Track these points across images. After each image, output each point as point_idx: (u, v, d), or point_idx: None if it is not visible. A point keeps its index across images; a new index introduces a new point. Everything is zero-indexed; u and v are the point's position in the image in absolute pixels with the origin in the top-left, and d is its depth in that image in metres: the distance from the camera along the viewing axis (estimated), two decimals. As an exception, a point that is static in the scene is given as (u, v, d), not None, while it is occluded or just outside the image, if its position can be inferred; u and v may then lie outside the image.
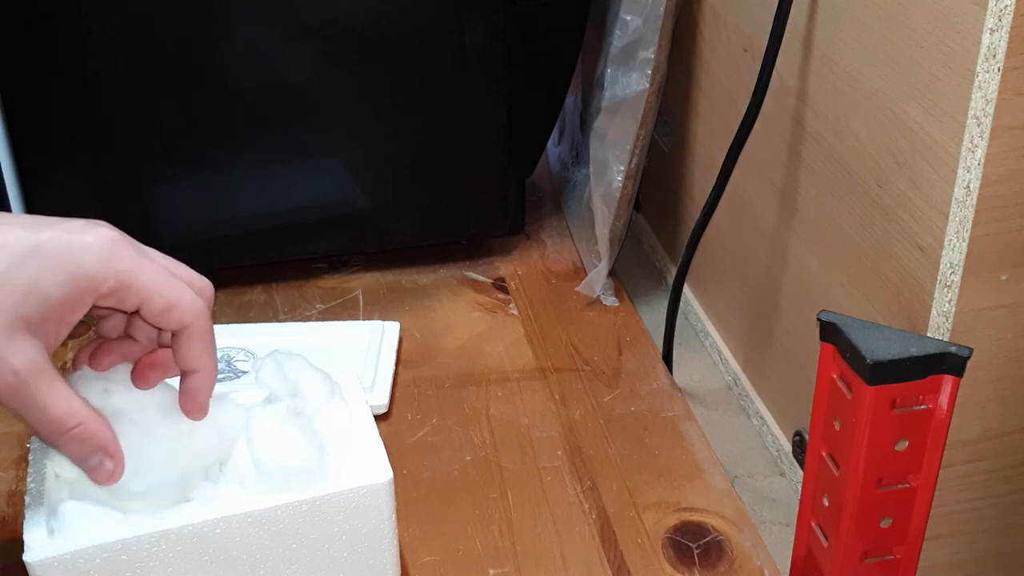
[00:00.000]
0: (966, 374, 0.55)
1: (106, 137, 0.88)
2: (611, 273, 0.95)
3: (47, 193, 0.88)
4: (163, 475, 0.56)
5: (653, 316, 0.99)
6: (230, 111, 0.89)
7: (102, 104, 0.86)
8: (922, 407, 0.56)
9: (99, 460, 0.53)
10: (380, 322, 0.89)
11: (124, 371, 0.57)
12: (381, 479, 0.59)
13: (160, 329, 0.55)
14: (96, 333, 0.57)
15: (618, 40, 0.88)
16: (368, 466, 0.60)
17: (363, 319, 0.93)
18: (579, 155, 1.05)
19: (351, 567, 0.61)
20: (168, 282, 0.51)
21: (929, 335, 0.62)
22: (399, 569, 0.64)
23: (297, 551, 0.59)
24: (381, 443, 0.61)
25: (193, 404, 0.55)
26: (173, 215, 0.92)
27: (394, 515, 0.61)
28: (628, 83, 0.88)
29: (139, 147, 0.89)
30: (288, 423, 0.59)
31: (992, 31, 0.54)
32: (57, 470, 0.56)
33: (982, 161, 0.57)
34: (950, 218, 0.59)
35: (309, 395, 0.61)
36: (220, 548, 0.57)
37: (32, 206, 0.87)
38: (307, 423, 0.60)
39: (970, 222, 0.59)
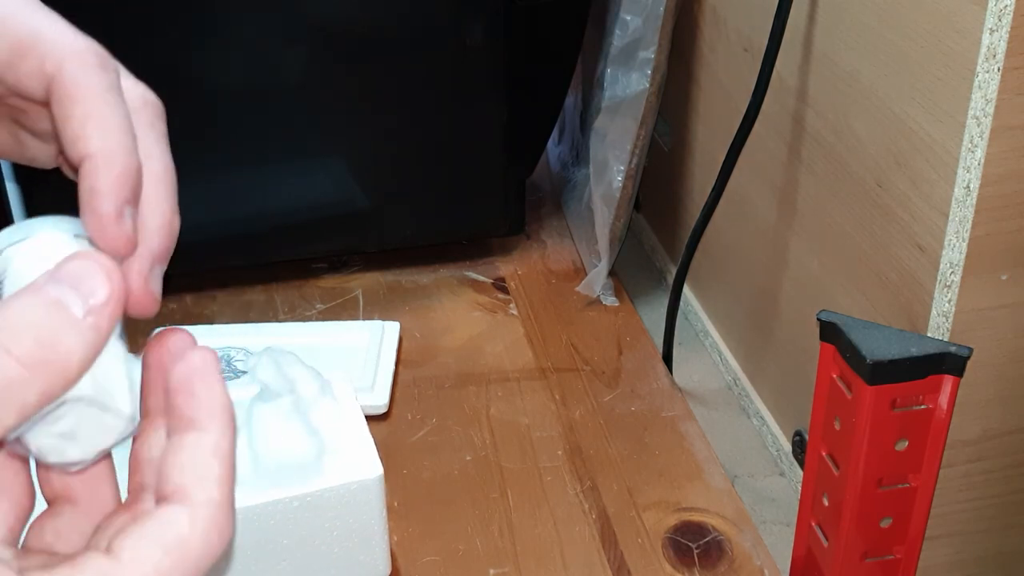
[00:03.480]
0: (966, 374, 0.55)
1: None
2: (611, 273, 0.95)
3: (47, 194, 0.88)
4: None
5: (653, 316, 0.98)
6: (230, 111, 0.89)
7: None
8: (922, 407, 0.56)
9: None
10: (380, 322, 0.89)
11: None
12: (371, 475, 0.60)
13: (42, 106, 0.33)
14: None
15: (618, 40, 0.88)
16: (359, 462, 0.60)
17: (363, 319, 0.93)
18: (579, 155, 1.04)
19: (342, 562, 0.61)
20: (36, 10, 0.32)
21: (929, 335, 0.62)
22: (390, 564, 0.64)
23: (288, 546, 0.59)
24: (371, 439, 0.62)
25: (96, 221, 0.32)
26: (173, 215, 0.92)
27: (385, 510, 0.61)
28: (628, 83, 0.88)
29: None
30: (292, 419, 0.60)
31: (992, 31, 0.54)
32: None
33: (982, 161, 0.57)
34: (950, 218, 0.59)
35: (301, 392, 0.62)
36: None
37: (32, 207, 0.87)
38: (306, 419, 0.60)
39: (970, 222, 0.59)
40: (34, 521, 0.34)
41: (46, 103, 0.33)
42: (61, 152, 0.33)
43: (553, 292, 0.97)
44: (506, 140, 0.94)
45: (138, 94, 0.35)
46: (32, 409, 0.28)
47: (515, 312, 0.94)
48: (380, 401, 0.80)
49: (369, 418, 0.68)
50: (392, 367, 0.84)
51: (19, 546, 0.33)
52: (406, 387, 0.84)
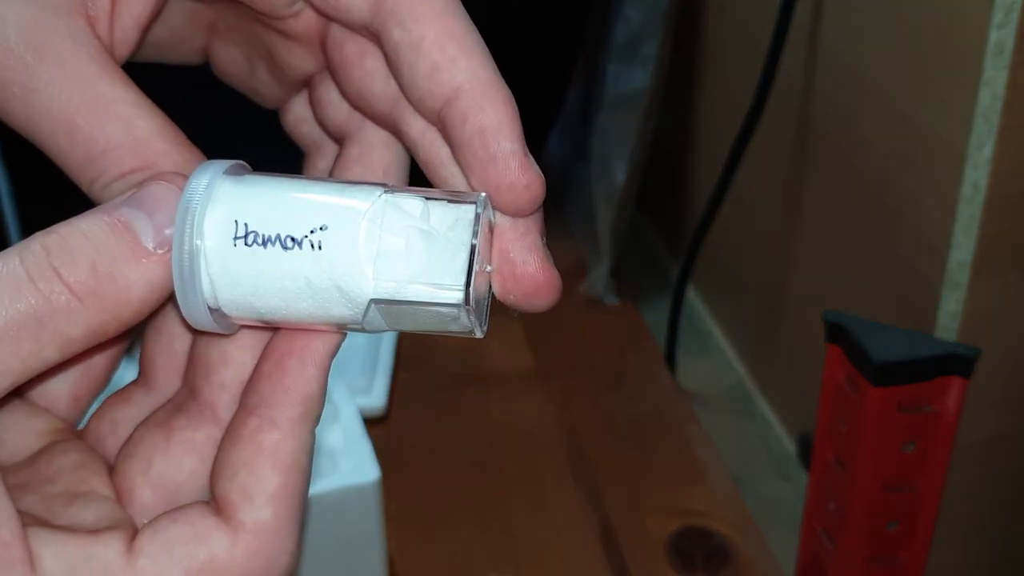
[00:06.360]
0: (974, 375, 0.55)
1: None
2: (613, 272, 0.95)
3: (45, 197, 0.87)
4: None
5: (656, 317, 0.98)
6: (230, 111, 0.88)
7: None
8: (929, 409, 0.56)
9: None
10: (379, 323, 0.88)
11: None
12: (369, 478, 0.59)
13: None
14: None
15: (620, 35, 0.87)
16: (355, 465, 0.60)
17: (362, 320, 0.92)
18: (580, 152, 1.04)
19: (338, 568, 0.61)
20: None
21: (936, 336, 0.61)
22: (387, 570, 0.63)
23: None
24: (369, 442, 0.61)
25: (494, 169, 0.25)
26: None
27: (382, 515, 0.61)
28: (630, 79, 0.87)
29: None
30: None
31: (1000, 27, 0.53)
32: None
33: (990, 158, 0.56)
34: (958, 216, 0.58)
35: None
36: None
37: (29, 212, 0.87)
38: None
39: (978, 220, 0.58)
40: (105, 402, 0.30)
41: (365, 28, 0.26)
42: (353, 103, 0.28)
43: (554, 292, 0.96)
44: (507, 138, 0.93)
45: None
46: (75, 347, 0.24)
47: (515, 312, 0.94)
48: (378, 403, 0.80)
49: (366, 421, 0.67)
50: (390, 369, 0.83)
51: (81, 424, 0.29)
52: (405, 389, 0.84)
